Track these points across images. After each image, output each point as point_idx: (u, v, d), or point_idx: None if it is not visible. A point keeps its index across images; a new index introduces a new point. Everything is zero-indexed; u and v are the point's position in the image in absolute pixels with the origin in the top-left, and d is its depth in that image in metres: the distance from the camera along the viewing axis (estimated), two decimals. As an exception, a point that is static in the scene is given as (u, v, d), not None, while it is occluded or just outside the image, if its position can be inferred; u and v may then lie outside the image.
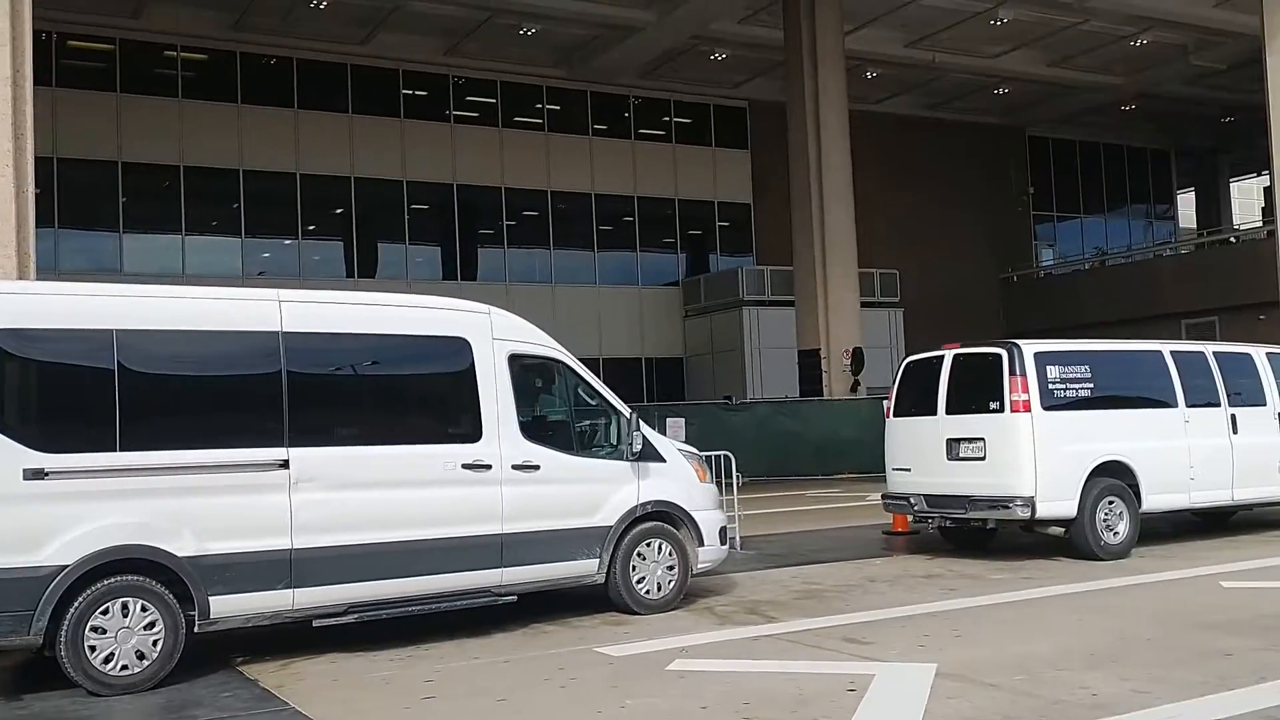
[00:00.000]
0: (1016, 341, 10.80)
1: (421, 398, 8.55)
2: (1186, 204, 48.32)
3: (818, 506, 18.16)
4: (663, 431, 18.79)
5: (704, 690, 6.32)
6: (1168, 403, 11.34)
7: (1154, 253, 41.07)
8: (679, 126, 35.90)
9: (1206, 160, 45.96)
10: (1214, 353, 11.88)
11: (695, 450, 9.53)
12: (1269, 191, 34.48)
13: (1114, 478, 10.78)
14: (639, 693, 6.33)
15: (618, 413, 8.77)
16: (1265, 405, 11.97)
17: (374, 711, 6.21)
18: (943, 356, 11.37)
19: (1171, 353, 11.58)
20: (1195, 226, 46.33)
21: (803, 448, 24.74)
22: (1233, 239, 38.88)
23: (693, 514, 8.92)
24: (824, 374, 26.93)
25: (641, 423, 8.81)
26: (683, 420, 19.99)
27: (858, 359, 26.93)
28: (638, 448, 8.64)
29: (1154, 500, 11.03)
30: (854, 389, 26.80)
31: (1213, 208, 46.58)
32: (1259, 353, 12.29)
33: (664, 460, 8.93)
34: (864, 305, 31.11)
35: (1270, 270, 24.79)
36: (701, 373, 34.49)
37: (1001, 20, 30.78)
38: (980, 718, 5.57)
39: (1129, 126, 41.77)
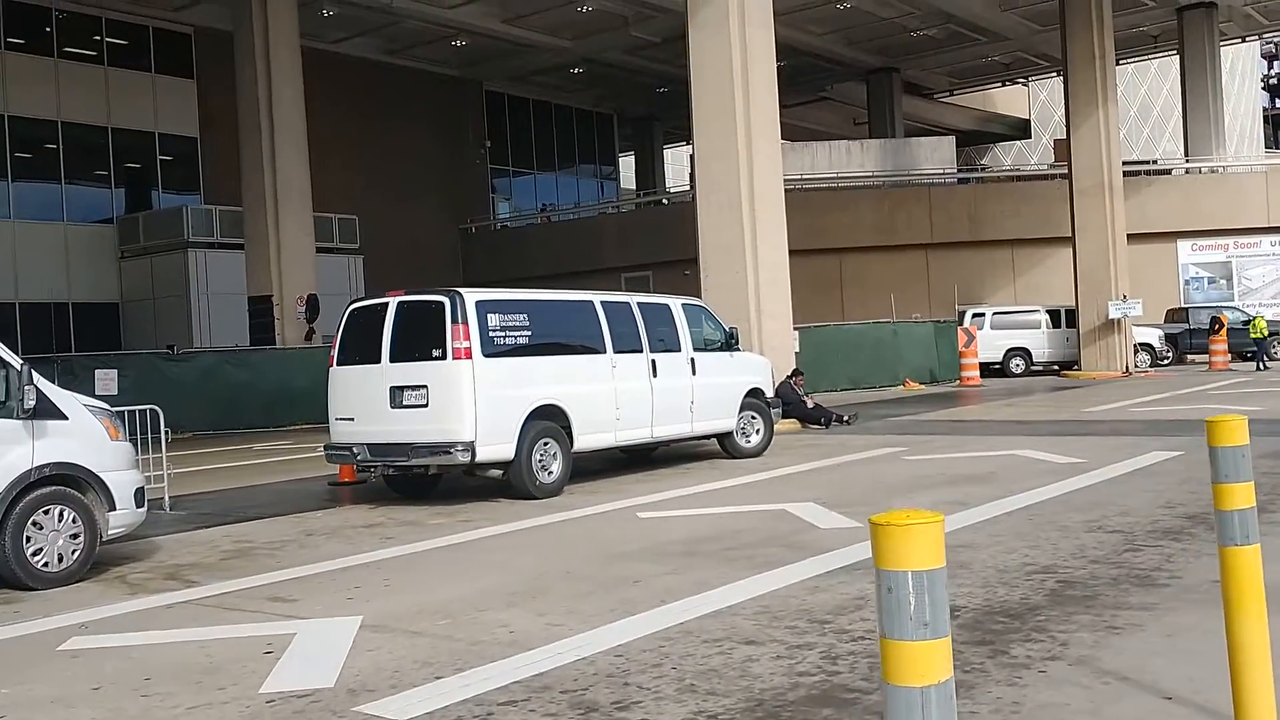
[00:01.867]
0: (459, 290, 10.89)
1: None
2: (628, 166, 52.36)
3: (264, 460, 17.39)
4: (91, 386, 17.01)
5: (100, 668, 5.66)
6: (598, 349, 12.04)
7: (598, 211, 44.03)
8: (112, 48, 32.54)
9: (644, 126, 49.97)
10: (638, 303, 12.80)
11: (107, 406, 8.57)
12: (693, 159, 38.21)
13: (549, 420, 11.27)
14: (18, 680, 5.53)
15: (5, 365, 7.62)
16: (680, 351, 13.11)
17: None
18: (387, 304, 11.20)
19: (601, 303, 12.29)
20: (635, 188, 50.32)
21: (253, 399, 23.62)
22: (664, 200, 42.68)
23: (101, 476, 8.01)
24: (277, 321, 25.88)
25: (37, 375, 7.73)
26: (115, 372, 18.31)
27: (313, 306, 26.17)
28: (30, 404, 7.58)
29: (585, 440, 11.69)
30: (309, 337, 26.03)
31: (649, 171, 50.82)
32: (676, 303, 13.44)
33: (66, 418, 7.92)
34: (322, 251, 30.38)
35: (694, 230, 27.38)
36: (141, 320, 31.79)
37: (457, -28, 31.18)
38: (397, 666, 5.47)
39: (578, 89, 44.26)
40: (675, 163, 56.22)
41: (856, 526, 8.81)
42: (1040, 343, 32.40)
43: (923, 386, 28.98)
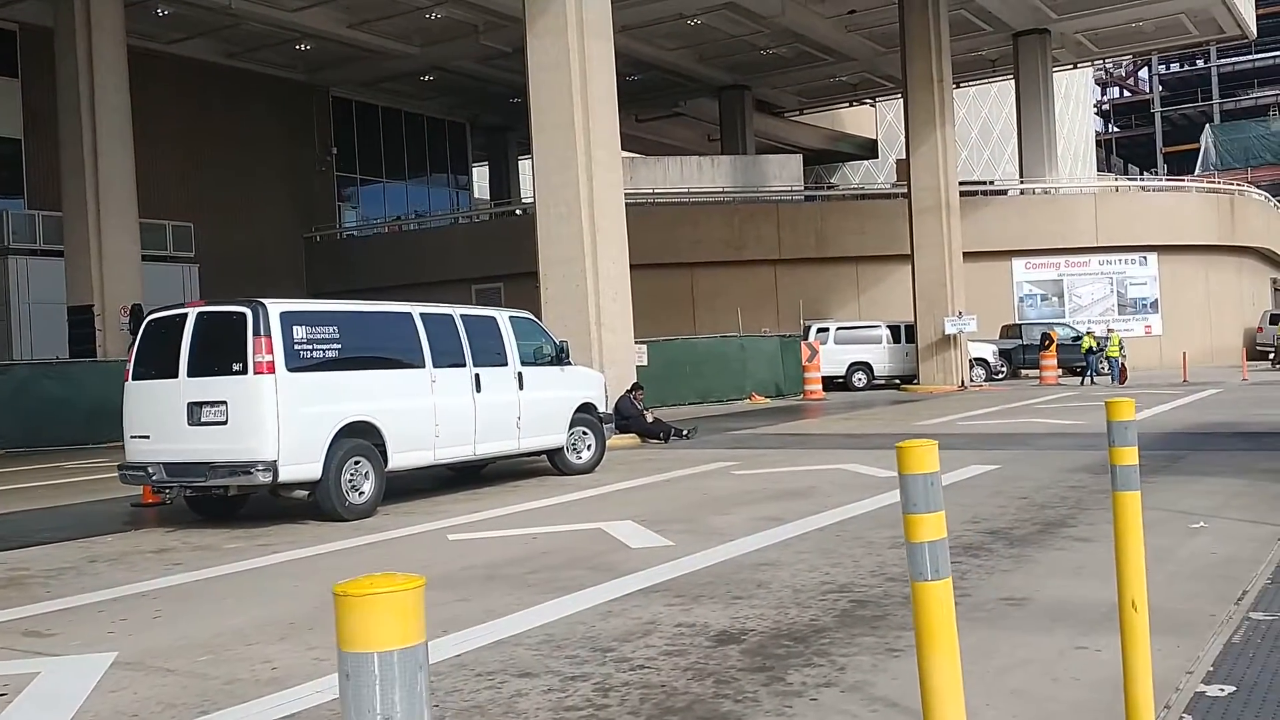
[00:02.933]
0: (262, 300, 10.37)
1: None
2: (483, 176, 51.78)
3: (73, 479, 16.44)
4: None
5: None
6: (416, 363, 11.64)
7: (450, 220, 43.38)
8: (-73, 42, 30.67)
9: (498, 136, 49.50)
10: (461, 315, 12.43)
11: None
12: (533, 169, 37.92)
13: (361, 438, 10.82)
14: None
15: None
16: (506, 365, 12.81)
17: None
18: (186, 314, 10.61)
19: (421, 315, 11.89)
20: (489, 197, 49.78)
21: (72, 414, 22.35)
22: (518, 211, 42.28)
23: None
24: (99, 333, 24.59)
25: None
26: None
27: (137, 316, 24.92)
28: None
29: (400, 459, 11.27)
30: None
31: (504, 181, 50.37)
32: (503, 316, 13.14)
33: None
34: (153, 259, 29.17)
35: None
36: (-47, 331, 29.91)
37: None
38: (137, 710, 5.03)
39: (430, 97, 43.56)
40: (530, 173, 55.90)
41: (669, 545, 8.66)
42: (881, 357, 33.09)
43: (768, 400, 29.27)
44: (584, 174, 18.29)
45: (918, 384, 31.52)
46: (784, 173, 39.76)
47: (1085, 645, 5.46)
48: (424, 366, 11.68)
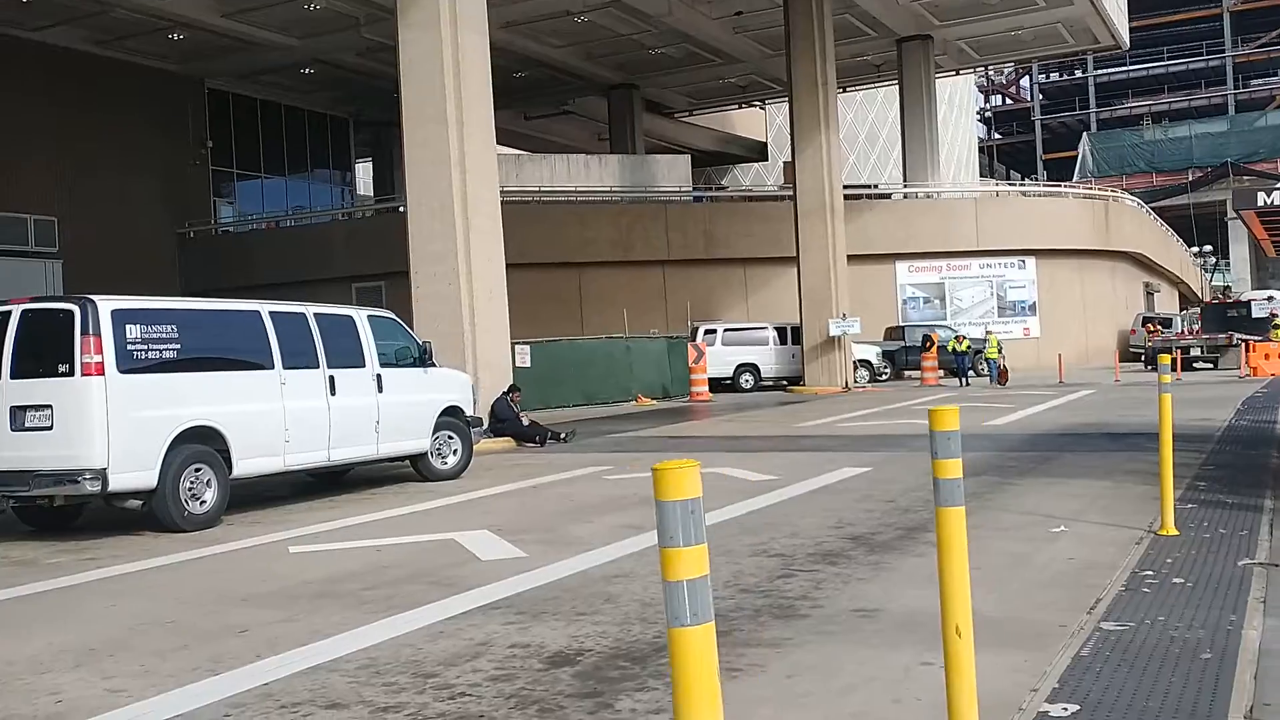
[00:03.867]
0: (91, 297, 9.68)
1: None
2: (367, 172, 50.58)
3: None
4: None
5: None
6: (265, 364, 11.03)
7: (331, 217, 42.23)
8: None
9: (383, 132, 48.22)
10: (315, 314, 11.84)
11: None
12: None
13: (202, 443, 10.19)
14: None
15: None
16: (364, 367, 12.26)
17: None
18: (9, 312, 9.85)
19: (270, 313, 11.28)
20: (374, 194, 48.60)
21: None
22: (401, 209, 41.27)
23: None
24: (-55, 331, 23.18)
25: None
26: None
27: (-11, 315, 23.64)
28: None
29: (246, 465, 10.67)
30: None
31: (387, 177, 49.19)
32: (361, 315, 12.58)
33: None
34: (13, 254, 27.87)
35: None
36: None
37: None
38: (-119, 761, 4.46)
39: (311, 90, 42.31)
40: (419, 172, 54.71)
41: (521, 557, 8.27)
42: (769, 359, 33.10)
43: (654, 402, 29.02)
44: (458, 170, 17.77)
45: (804, 385, 31.60)
46: (672, 173, 39.59)
47: (931, 661, 5.21)
48: (273, 368, 11.08)
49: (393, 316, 13.36)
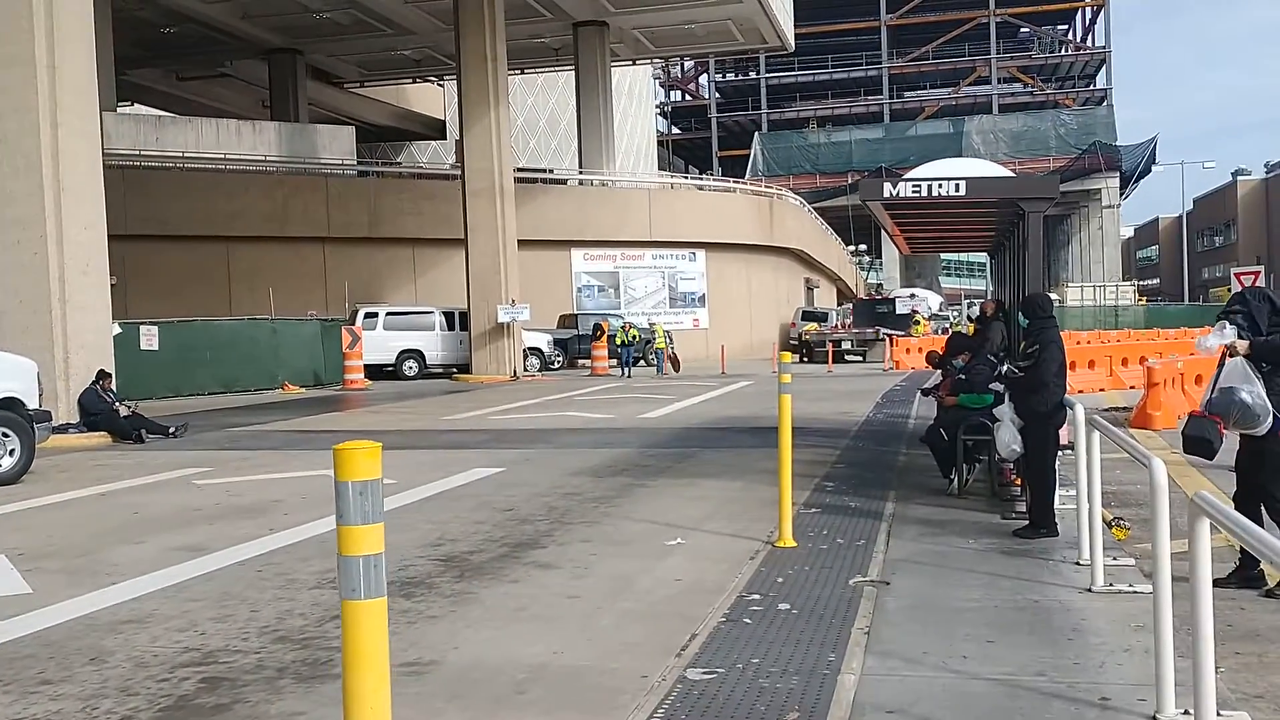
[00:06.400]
0: None
1: None
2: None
3: None
4: None
5: None
6: None
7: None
8: None
9: None
10: None
11: None
12: None
13: None
14: None
15: None
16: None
17: None
18: None
19: None
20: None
21: None
22: None
23: None
24: None
25: None
26: None
27: None
28: None
29: None
30: None
31: None
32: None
33: None
34: None
35: None
36: None
37: None
38: None
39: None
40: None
41: (24, 594, 6.59)
42: (434, 345, 31.63)
43: (303, 390, 26.92)
44: (47, 121, 15.27)
45: (471, 374, 30.38)
46: (335, 145, 37.25)
47: (468, 743, 4.12)
48: None
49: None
